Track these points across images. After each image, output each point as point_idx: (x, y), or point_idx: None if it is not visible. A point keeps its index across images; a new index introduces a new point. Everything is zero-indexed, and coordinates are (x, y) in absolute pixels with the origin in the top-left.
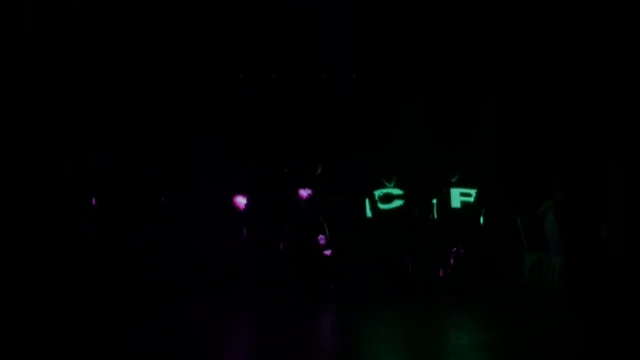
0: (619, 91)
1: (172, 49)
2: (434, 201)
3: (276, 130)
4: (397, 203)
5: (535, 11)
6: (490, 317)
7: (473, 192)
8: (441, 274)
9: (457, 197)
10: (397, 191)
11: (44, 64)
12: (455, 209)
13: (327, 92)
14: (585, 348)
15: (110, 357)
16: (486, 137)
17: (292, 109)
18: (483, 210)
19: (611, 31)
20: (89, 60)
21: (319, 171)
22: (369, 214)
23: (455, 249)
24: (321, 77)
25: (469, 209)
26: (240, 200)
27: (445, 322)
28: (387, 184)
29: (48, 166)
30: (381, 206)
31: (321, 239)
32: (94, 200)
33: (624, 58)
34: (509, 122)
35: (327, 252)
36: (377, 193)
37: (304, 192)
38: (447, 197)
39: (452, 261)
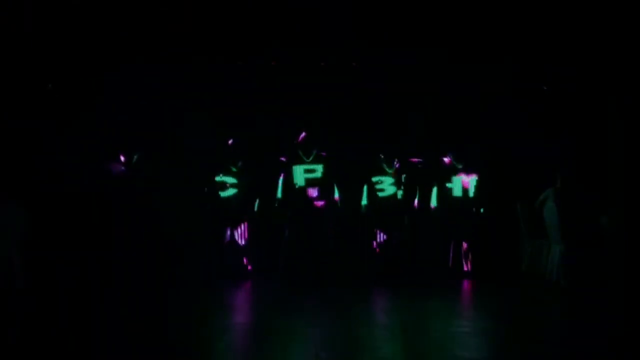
0: (620, 81)
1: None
2: (434, 188)
3: (274, 118)
4: (396, 190)
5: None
6: (489, 304)
7: (473, 179)
8: (440, 261)
9: (457, 184)
10: (395, 178)
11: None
12: (455, 197)
13: (325, 80)
14: (582, 336)
15: None
16: (487, 124)
17: (289, 96)
18: (483, 198)
19: (607, 20)
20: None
21: (311, 158)
22: (365, 201)
23: (454, 236)
24: (320, 65)
25: (468, 196)
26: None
27: (444, 309)
28: (387, 170)
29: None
30: (380, 193)
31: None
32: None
33: (625, 49)
34: (510, 109)
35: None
36: (376, 179)
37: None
38: (447, 184)
39: (451, 248)
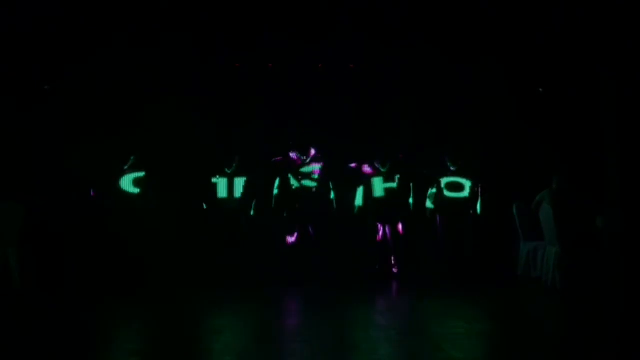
0: (617, 82)
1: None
2: (430, 190)
3: (272, 118)
4: (392, 191)
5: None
6: (485, 306)
7: (469, 182)
8: (436, 262)
9: (452, 186)
10: (392, 179)
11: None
12: (450, 198)
13: (324, 81)
14: (578, 337)
15: None
16: (483, 126)
17: (287, 96)
18: (479, 200)
19: (603, 22)
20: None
21: (308, 159)
22: (360, 202)
23: (449, 237)
24: (318, 66)
25: (464, 198)
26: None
27: (440, 310)
28: (382, 169)
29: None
30: (375, 194)
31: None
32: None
33: (624, 49)
34: (506, 111)
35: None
36: (373, 180)
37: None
38: (442, 186)
39: (448, 250)
